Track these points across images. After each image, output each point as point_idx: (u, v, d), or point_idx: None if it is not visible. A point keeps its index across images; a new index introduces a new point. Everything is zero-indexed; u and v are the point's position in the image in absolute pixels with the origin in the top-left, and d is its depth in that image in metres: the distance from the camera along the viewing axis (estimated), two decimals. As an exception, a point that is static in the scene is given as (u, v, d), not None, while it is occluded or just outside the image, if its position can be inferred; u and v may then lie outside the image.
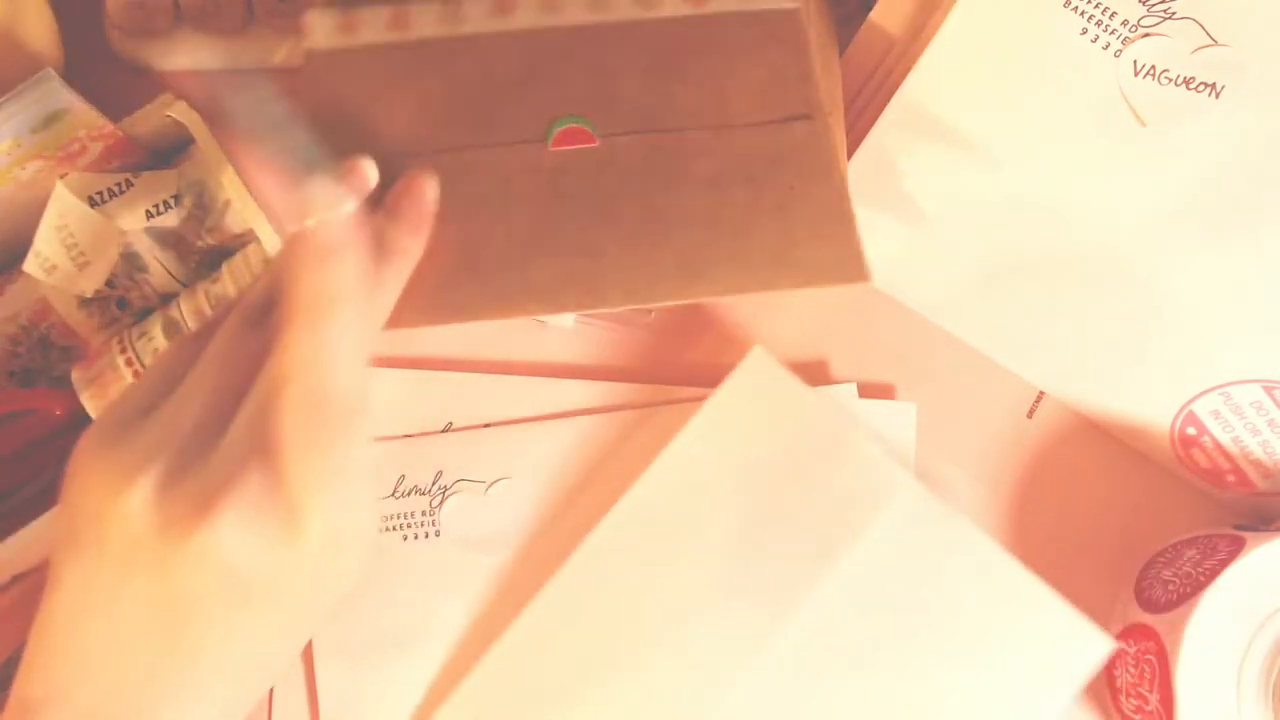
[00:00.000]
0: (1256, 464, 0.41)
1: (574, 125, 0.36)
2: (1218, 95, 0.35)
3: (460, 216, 0.36)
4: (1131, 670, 0.39)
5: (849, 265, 0.36)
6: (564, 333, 0.44)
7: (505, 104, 0.36)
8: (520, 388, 0.44)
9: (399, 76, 0.35)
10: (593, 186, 0.36)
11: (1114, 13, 0.35)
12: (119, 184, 0.39)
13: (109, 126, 0.38)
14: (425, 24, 0.33)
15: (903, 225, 0.42)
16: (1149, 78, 0.35)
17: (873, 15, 0.40)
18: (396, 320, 0.34)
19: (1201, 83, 0.35)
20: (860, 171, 0.40)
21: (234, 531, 0.25)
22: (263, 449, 0.26)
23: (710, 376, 0.42)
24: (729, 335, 0.45)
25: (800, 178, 0.36)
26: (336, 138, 0.33)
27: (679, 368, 0.45)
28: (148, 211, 0.39)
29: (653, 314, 0.44)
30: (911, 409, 0.43)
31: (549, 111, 0.35)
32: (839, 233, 0.36)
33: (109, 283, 0.40)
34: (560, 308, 0.37)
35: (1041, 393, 0.44)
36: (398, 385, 0.44)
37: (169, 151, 0.41)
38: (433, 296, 0.36)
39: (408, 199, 0.33)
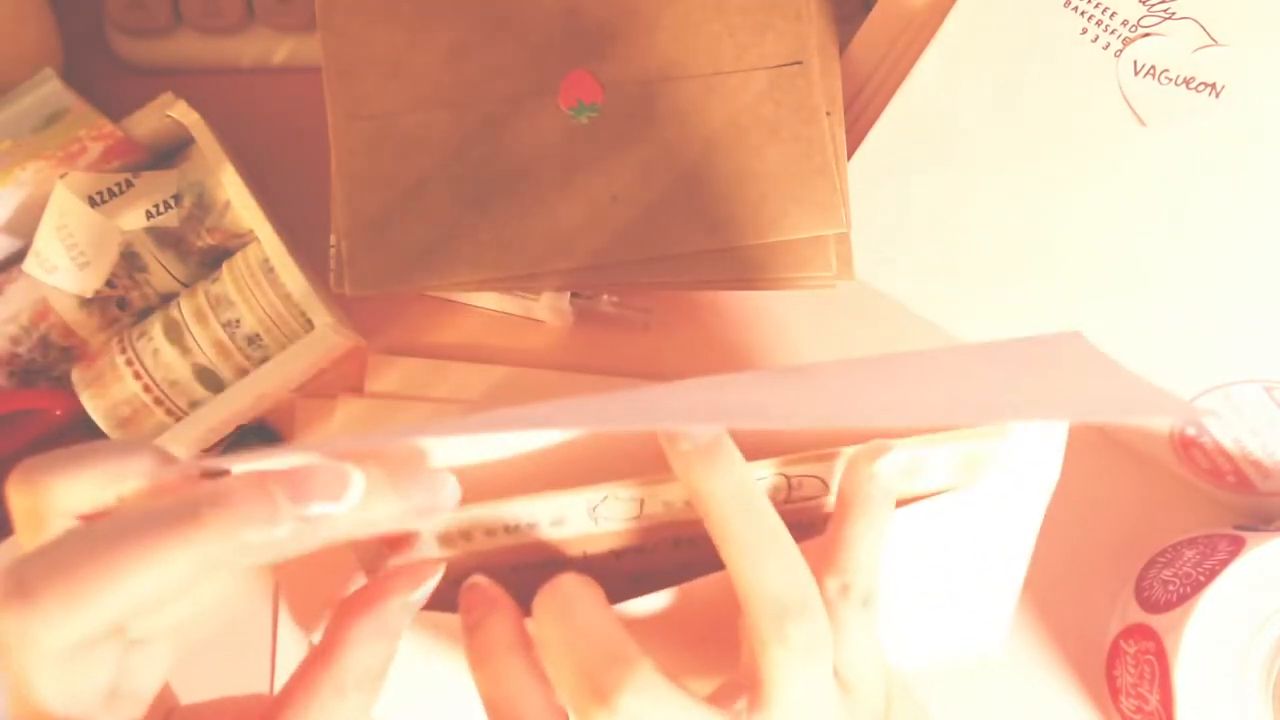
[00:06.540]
0: (1256, 464, 0.41)
1: (581, 74, 0.37)
2: (1218, 95, 0.35)
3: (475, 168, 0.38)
4: (1131, 670, 0.39)
5: (828, 214, 0.39)
6: (561, 332, 0.44)
7: (522, 54, 0.38)
8: (515, 382, 0.44)
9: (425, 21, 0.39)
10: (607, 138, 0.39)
11: (1114, 13, 0.35)
12: (119, 184, 0.39)
13: (109, 126, 0.38)
14: None
15: (903, 225, 0.41)
16: (1149, 78, 0.35)
17: (873, 15, 0.40)
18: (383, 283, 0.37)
19: (1201, 83, 0.35)
20: (860, 171, 0.40)
21: None
22: None
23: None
24: (726, 336, 0.45)
25: (787, 126, 0.38)
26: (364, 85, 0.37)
27: (676, 367, 0.45)
28: (148, 211, 0.39)
29: (651, 314, 0.44)
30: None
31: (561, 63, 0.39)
32: (819, 183, 0.39)
33: (109, 283, 0.40)
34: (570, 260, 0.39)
35: (1041, 393, 0.44)
36: (396, 379, 0.44)
37: (169, 151, 0.41)
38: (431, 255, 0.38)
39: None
